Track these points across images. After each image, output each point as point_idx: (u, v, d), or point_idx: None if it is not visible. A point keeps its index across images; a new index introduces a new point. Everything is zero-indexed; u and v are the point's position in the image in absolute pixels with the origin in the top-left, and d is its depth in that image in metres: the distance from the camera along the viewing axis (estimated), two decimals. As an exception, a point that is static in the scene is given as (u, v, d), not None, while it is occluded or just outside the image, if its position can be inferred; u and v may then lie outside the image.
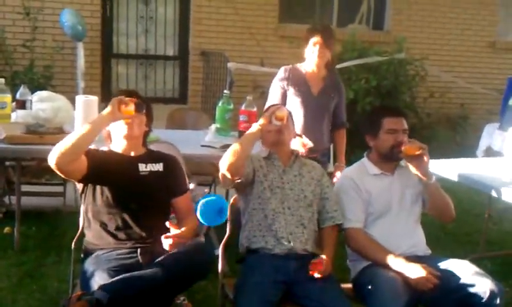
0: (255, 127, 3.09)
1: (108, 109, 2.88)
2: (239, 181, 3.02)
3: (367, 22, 9.63)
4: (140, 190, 2.98)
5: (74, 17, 7.36)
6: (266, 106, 3.89)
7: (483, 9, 9.77)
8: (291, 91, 4.18)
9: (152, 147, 3.28)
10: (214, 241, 4.20)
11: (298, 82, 4.18)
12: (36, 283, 3.99)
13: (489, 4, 9.81)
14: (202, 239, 3.66)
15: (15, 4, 7.52)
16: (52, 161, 2.80)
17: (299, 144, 3.80)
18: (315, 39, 4.10)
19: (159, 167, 3.09)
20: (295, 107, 4.13)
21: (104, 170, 2.95)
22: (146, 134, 3.17)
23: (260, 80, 8.23)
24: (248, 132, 3.13)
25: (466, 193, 5.62)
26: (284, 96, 4.19)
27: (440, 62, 9.27)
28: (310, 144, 3.81)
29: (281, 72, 4.26)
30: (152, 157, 3.12)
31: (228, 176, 2.96)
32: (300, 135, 3.90)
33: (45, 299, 3.79)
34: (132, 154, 3.08)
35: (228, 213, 3.24)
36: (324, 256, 2.96)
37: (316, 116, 4.18)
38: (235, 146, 3.01)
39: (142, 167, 3.05)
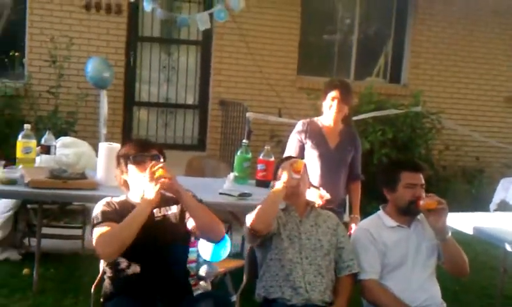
0: (279, 185, 3.16)
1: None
2: (267, 236, 3.09)
3: (384, 75, 9.75)
4: (155, 236, 2.98)
5: (98, 65, 7.55)
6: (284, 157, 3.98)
7: (500, 64, 9.86)
8: (309, 144, 4.24)
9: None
10: (230, 288, 4.24)
11: (315, 135, 4.25)
12: (54, 324, 4.05)
13: (505, 59, 9.91)
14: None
15: (42, 52, 7.74)
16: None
17: (317, 196, 3.88)
18: (334, 94, 4.15)
19: (173, 210, 3.11)
20: (312, 159, 4.20)
21: (120, 218, 2.95)
22: None
23: (278, 130, 8.35)
24: (273, 189, 3.20)
25: (481, 246, 5.61)
26: (302, 149, 4.25)
27: (456, 116, 9.34)
28: (327, 196, 3.88)
29: (299, 125, 4.32)
30: (165, 200, 3.11)
31: (259, 232, 3.04)
32: (318, 188, 3.97)
33: (63, 341, 3.84)
34: None
35: (245, 260, 3.32)
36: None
37: (333, 169, 4.24)
38: (263, 206, 3.11)
39: (157, 212, 3.07)
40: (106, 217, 2.95)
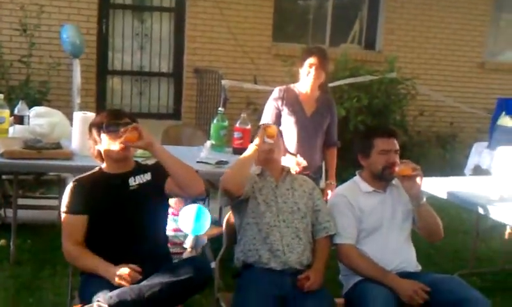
0: (251, 148, 3.18)
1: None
2: (239, 198, 3.10)
3: (359, 42, 9.76)
4: (131, 206, 3.01)
5: (75, 33, 7.43)
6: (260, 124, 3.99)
7: (473, 30, 9.96)
8: (285, 111, 4.25)
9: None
10: (209, 255, 4.27)
11: (292, 102, 4.26)
12: (32, 295, 4.03)
13: (478, 25, 9.99)
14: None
15: (12, 21, 7.59)
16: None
17: (294, 163, 3.90)
18: (311, 61, 4.16)
19: (147, 177, 3.12)
20: (289, 126, 4.22)
21: (93, 196, 3.00)
22: (134, 150, 3.22)
23: (253, 97, 8.33)
24: (245, 153, 3.22)
25: (455, 210, 5.72)
26: (278, 116, 4.26)
27: (430, 82, 9.43)
28: (304, 163, 3.90)
29: (276, 92, 4.32)
30: (140, 169, 3.16)
31: (230, 193, 3.06)
32: (295, 155, 3.99)
33: (42, 311, 3.83)
34: (122, 171, 3.11)
35: (224, 227, 3.34)
36: (312, 271, 3.03)
37: (309, 136, 4.26)
38: (235, 166, 3.17)
39: (131, 181, 3.08)
40: (70, 208, 3.00)
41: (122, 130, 2.95)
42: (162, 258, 3.08)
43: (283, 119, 4.26)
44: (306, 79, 4.21)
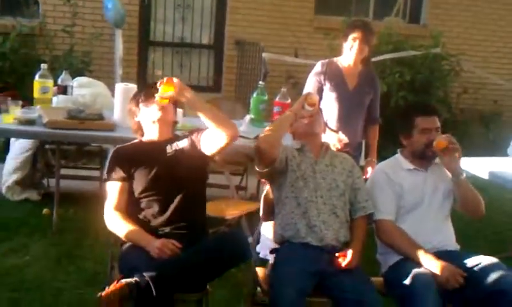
0: (288, 112, 3.20)
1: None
2: (272, 167, 3.10)
3: (404, 15, 9.56)
4: (168, 172, 3.05)
5: (117, 3, 7.48)
6: None
7: (522, 4, 9.66)
8: (327, 86, 4.20)
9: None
10: (246, 230, 4.29)
11: (334, 77, 4.20)
12: (73, 263, 4.14)
13: (528, 1, 9.68)
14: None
15: (56, -10, 7.68)
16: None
17: (335, 139, 3.88)
18: (355, 35, 4.09)
19: (183, 143, 3.15)
20: (330, 101, 4.18)
21: (133, 164, 3.06)
22: (174, 124, 3.29)
23: (294, 71, 8.28)
24: (282, 115, 3.21)
25: (497, 191, 5.60)
26: (320, 91, 4.19)
27: (476, 58, 9.18)
28: (346, 139, 3.87)
29: (318, 66, 4.27)
30: (178, 138, 3.20)
31: (264, 154, 3.05)
32: (336, 131, 3.96)
33: (82, 279, 3.93)
34: (160, 139, 3.16)
35: (262, 202, 3.34)
36: (349, 250, 3.02)
37: (351, 111, 4.21)
38: (271, 126, 3.20)
39: (168, 148, 3.13)
40: (112, 176, 3.08)
41: (158, 83, 2.99)
42: (200, 228, 3.12)
43: (324, 94, 4.21)
44: (349, 53, 4.15)
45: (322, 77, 4.21)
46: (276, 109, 4.59)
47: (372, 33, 4.19)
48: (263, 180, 3.46)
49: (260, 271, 3.20)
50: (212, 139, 3.06)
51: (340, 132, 3.95)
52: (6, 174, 5.22)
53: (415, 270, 2.98)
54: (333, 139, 3.90)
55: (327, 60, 4.31)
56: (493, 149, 7.09)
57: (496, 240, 5.23)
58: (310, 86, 4.26)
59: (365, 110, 4.30)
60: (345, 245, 3.10)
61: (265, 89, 4.75)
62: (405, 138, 3.33)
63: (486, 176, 4.03)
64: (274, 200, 3.28)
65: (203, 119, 3.02)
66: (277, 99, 4.59)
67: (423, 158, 3.29)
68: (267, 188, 3.36)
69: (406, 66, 7.78)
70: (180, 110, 3.98)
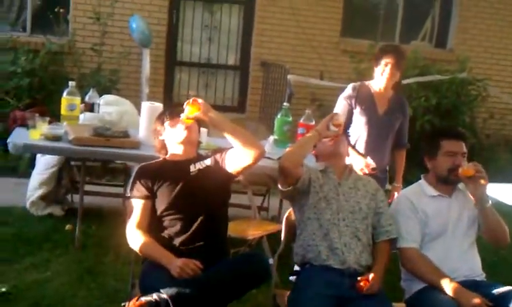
0: (313, 131, 3.20)
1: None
2: (295, 186, 3.09)
3: (430, 40, 9.54)
4: (191, 191, 3.05)
5: (143, 23, 7.59)
6: None
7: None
8: (357, 110, 4.18)
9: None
10: (267, 251, 4.27)
11: (365, 100, 4.19)
12: (94, 280, 4.14)
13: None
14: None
15: (86, 9, 7.80)
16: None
17: (363, 164, 3.87)
18: (387, 60, 4.07)
19: (207, 163, 3.16)
20: (360, 125, 4.17)
21: (156, 182, 3.07)
22: (198, 144, 3.31)
23: (319, 93, 8.29)
24: (307, 135, 3.22)
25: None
26: (350, 113, 4.19)
27: (502, 84, 9.12)
28: (373, 164, 3.86)
29: (349, 89, 4.26)
30: (202, 158, 3.21)
31: (287, 172, 3.05)
32: (364, 155, 3.95)
33: (103, 296, 3.92)
34: (184, 159, 3.17)
35: (283, 223, 3.33)
36: (371, 274, 2.99)
37: (380, 136, 4.19)
38: (295, 145, 3.25)
39: (192, 168, 3.14)
40: (135, 193, 3.10)
41: (185, 103, 3.01)
42: (222, 249, 3.11)
43: (354, 117, 4.20)
44: (381, 78, 4.14)
45: (353, 101, 4.20)
46: (300, 130, 4.58)
47: (403, 58, 4.18)
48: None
49: (280, 293, 3.18)
50: (237, 158, 3.07)
51: (368, 157, 3.94)
52: (31, 189, 5.27)
53: (440, 299, 2.94)
54: (361, 163, 3.89)
55: (358, 83, 4.31)
56: (520, 175, 6.99)
57: (522, 268, 5.12)
58: (339, 108, 4.25)
59: (394, 135, 4.28)
60: (367, 270, 3.07)
61: (289, 111, 4.74)
62: (429, 160, 3.30)
63: (511, 203, 3.96)
64: (296, 221, 3.26)
65: (229, 138, 3.02)
66: (301, 120, 4.58)
67: (447, 183, 3.25)
68: (289, 210, 3.35)
69: (432, 91, 7.74)
70: (204, 130, 4.00)
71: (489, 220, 3.18)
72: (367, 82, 4.28)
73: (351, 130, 4.21)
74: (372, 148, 4.12)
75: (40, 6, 8.27)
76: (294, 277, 3.16)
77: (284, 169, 3.07)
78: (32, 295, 3.83)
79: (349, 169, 3.32)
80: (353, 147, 4.14)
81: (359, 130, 4.16)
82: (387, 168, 4.41)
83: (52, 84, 7.14)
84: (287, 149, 3.21)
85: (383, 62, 4.10)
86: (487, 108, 8.69)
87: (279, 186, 3.18)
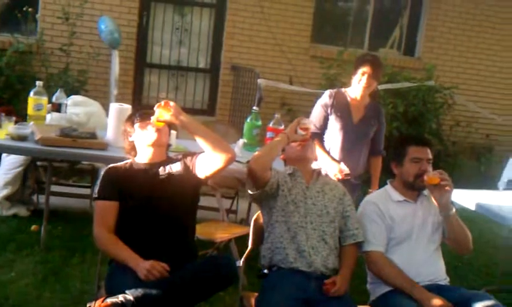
0: (282, 134, 3.23)
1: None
2: (263, 189, 3.10)
3: (399, 47, 9.65)
4: (160, 194, 3.05)
5: (112, 24, 7.54)
6: None
7: (515, 42, 9.77)
8: (333, 116, 4.25)
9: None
10: (235, 254, 4.28)
11: (340, 107, 4.25)
12: (60, 281, 4.10)
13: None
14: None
15: (55, 9, 7.70)
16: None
17: (337, 169, 3.91)
18: (364, 69, 4.14)
19: (177, 167, 3.16)
20: (335, 132, 4.23)
21: (125, 183, 3.07)
22: (168, 146, 3.31)
23: (288, 98, 8.33)
24: (275, 137, 3.24)
25: (486, 224, 5.63)
26: (326, 120, 4.27)
27: (469, 92, 9.26)
28: (347, 170, 3.91)
29: (326, 97, 4.31)
30: (171, 161, 3.21)
31: (255, 176, 3.06)
32: (338, 162, 4.00)
33: (68, 298, 3.89)
34: (153, 161, 3.17)
35: (251, 226, 3.34)
36: (338, 277, 3.02)
37: (354, 143, 4.25)
38: (263, 148, 3.25)
39: (161, 171, 3.14)
40: (103, 194, 3.08)
41: (156, 105, 3.00)
42: (189, 251, 3.11)
43: (329, 124, 4.26)
44: (357, 87, 4.20)
45: (329, 109, 4.26)
46: (269, 134, 4.60)
47: (380, 68, 4.25)
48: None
49: (247, 296, 3.19)
50: (208, 162, 3.07)
51: (341, 163, 3.99)
52: (-4, 189, 5.20)
53: (404, 302, 2.98)
54: (335, 169, 3.94)
55: (335, 90, 4.37)
56: (484, 182, 7.14)
57: (485, 272, 5.22)
58: (316, 114, 4.32)
59: (368, 142, 4.34)
60: (334, 272, 3.10)
61: (259, 115, 4.76)
62: (396, 166, 3.35)
63: (475, 209, 4.04)
64: (263, 224, 3.28)
65: (200, 142, 3.02)
66: (270, 125, 4.60)
67: (413, 189, 3.30)
68: (257, 213, 3.36)
69: (400, 98, 7.83)
70: (173, 133, 3.99)
71: (453, 227, 3.23)
72: (343, 89, 4.35)
73: (326, 136, 4.26)
74: (346, 155, 4.19)
75: (8, 4, 8.14)
76: (261, 280, 3.17)
77: (252, 172, 3.08)
78: (-4, 296, 3.78)
79: (317, 173, 3.36)
80: (328, 153, 4.19)
81: (334, 137, 4.22)
82: (361, 175, 4.46)
83: (19, 83, 7.03)
84: (256, 152, 3.21)
85: (360, 71, 4.17)
86: (453, 116, 8.82)
87: (247, 189, 3.19)
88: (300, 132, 3.20)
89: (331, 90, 4.37)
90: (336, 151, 4.22)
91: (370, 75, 4.14)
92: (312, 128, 4.14)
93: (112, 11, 7.97)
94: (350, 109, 4.25)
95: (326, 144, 4.27)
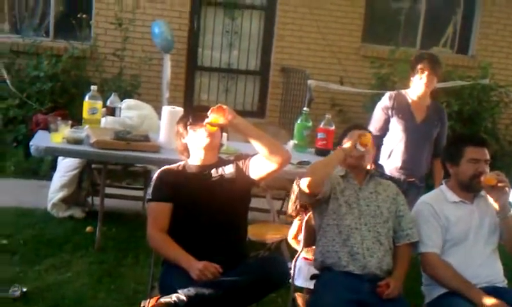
0: (339, 152, 3.16)
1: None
2: (316, 199, 3.07)
3: (452, 46, 9.47)
4: (212, 196, 3.06)
5: (166, 28, 7.64)
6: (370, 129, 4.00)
7: None
8: (394, 119, 4.20)
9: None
10: (286, 254, 4.27)
11: (402, 109, 4.20)
12: (114, 282, 4.16)
13: None
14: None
15: (108, 15, 7.88)
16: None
17: None
18: (423, 66, 4.09)
19: (229, 169, 3.15)
20: (397, 134, 4.18)
21: (177, 185, 3.08)
22: (220, 147, 3.30)
23: (339, 98, 8.27)
24: (332, 153, 3.19)
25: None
26: (387, 123, 4.22)
27: (525, 90, 9.01)
28: None
29: (386, 100, 4.26)
30: (223, 163, 3.20)
31: (307, 191, 3.02)
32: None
33: (122, 298, 3.95)
34: (206, 163, 3.17)
35: (303, 227, 3.31)
36: (392, 279, 2.97)
37: (418, 144, 4.20)
38: (317, 164, 3.16)
39: (214, 173, 3.14)
40: (156, 196, 3.09)
41: (210, 110, 2.98)
42: (241, 252, 3.10)
43: (391, 125, 4.21)
44: (418, 85, 4.15)
45: (389, 110, 4.21)
46: (319, 135, 4.59)
47: (439, 64, 4.18)
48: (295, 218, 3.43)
49: (299, 297, 3.17)
50: (262, 164, 3.06)
51: None
52: (52, 191, 5.32)
53: (461, 304, 2.92)
54: None
55: (395, 92, 4.32)
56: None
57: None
58: (377, 117, 4.27)
59: (432, 143, 4.28)
60: (388, 274, 3.05)
61: (309, 116, 4.74)
62: (452, 166, 3.28)
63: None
64: (315, 226, 3.25)
65: (255, 144, 3.00)
66: (321, 125, 4.59)
67: (469, 190, 3.22)
68: (309, 214, 3.34)
69: (454, 97, 7.68)
70: (224, 134, 4.01)
71: (510, 229, 3.15)
72: (404, 91, 4.28)
73: (386, 139, 4.21)
74: (410, 156, 4.15)
75: (63, 11, 8.38)
76: (313, 281, 3.15)
77: (306, 188, 3.03)
78: (53, 296, 3.87)
79: (370, 175, 3.30)
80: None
81: (397, 139, 4.17)
82: (424, 176, 4.37)
83: (74, 88, 7.21)
84: (308, 168, 3.16)
85: (419, 69, 4.11)
86: (509, 114, 8.60)
87: (300, 199, 3.16)
88: (360, 147, 3.13)
89: (391, 92, 4.33)
90: (399, 153, 4.17)
91: (430, 71, 4.09)
92: (372, 132, 4.13)
93: (164, 16, 8.09)
94: (412, 110, 4.20)
95: (387, 146, 4.22)
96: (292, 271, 3.27)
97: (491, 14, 9.19)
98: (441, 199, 3.27)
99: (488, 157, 3.22)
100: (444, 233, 3.17)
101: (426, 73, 4.08)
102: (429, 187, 4.12)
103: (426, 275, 3.19)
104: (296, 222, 3.42)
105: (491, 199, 3.15)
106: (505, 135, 8.59)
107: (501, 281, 3.17)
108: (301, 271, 3.44)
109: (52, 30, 8.25)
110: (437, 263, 3.11)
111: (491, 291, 2.99)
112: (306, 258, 3.43)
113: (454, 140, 3.61)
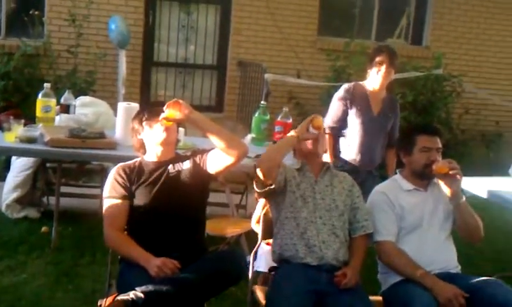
0: (291, 135, 3.17)
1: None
2: (271, 187, 3.08)
3: (406, 37, 9.61)
4: (170, 192, 3.04)
5: (122, 24, 7.56)
6: (326, 122, 4.02)
7: (524, 27, 9.69)
8: (353, 110, 4.25)
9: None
10: (245, 248, 4.28)
11: (360, 101, 4.25)
12: (71, 281, 4.12)
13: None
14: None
15: (62, 11, 7.74)
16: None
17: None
18: (382, 59, 4.15)
19: (186, 165, 3.14)
20: (355, 125, 4.24)
21: (134, 182, 3.07)
22: (176, 143, 3.29)
23: (296, 91, 8.31)
24: (285, 137, 3.20)
25: (497, 211, 5.58)
26: (345, 114, 4.27)
27: (478, 79, 9.22)
28: None
29: (343, 91, 4.31)
30: (180, 158, 3.19)
31: (261, 176, 3.03)
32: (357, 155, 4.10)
33: (80, 297, 3.91)
34: (162, 159, 3.15)
35: (261, 221, 3.33)
36: (348, 269, 3.01)
37: (374, 135, 4.27)
38: (271, 148, 3.21)
39: (171, 168, 3.12)
40: (112, 194, 3.06)
41: (166, 105, 2.96)
42: (199, 247, 3.09)
43: (349, 117, 4.26)
44: (376, 77, 4.20)
45: (347, 102, 4.25)
46: (277, 128, 4.60)
47: (396, 56, 4.27)
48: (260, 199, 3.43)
49: (259, 289, 3.19)
50: (220, 158, 3.05)
51: None
52: (6, 192, 5.23)
53: (416, 291, 2.95)
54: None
55: (352, 83, 4.38)
56: (494, 169, 7.07)
57: (497, 259, 5.19)
58: (334, 109, 4.31)
59: (386, 135, 4.36)
60: (345, 264, 3.09)
61: (267, 109, 4.76)
62: (405, 156, 3.33)
63: (486, 196, 4.02)
64: (272, 219, 3.27)
65: (212, 139, 3.00)
66: (279, 119, 4.60)
67: (422, 178, 3.28)
68: (266, 207, 3.35)
69: (408, 87, 7.81)
70: (181, 130, 3.99)
71: (463, 216, 3.21)
72: (361, 82, 4.33)
73: (346, 131, 4.26)
74: (365, 147, 4.21)
75: (15, 8, 8.20)
76: (272, 273, 3.17)
77: (259, 173, 3.05)
78: (9, 298, 3.81)
79: (326, 167, 3.33)
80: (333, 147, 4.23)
81: (353, 130, 4.22)
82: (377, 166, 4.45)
83: (28, 86, 7.08)
84: (264, 151, 3.19)
85: (376, 61, 4.17)
86: (462, 104, 8.78)
87: (254, 187, 3.17)
88: (312, 130, 3.15)
89: (349, 84, 4.39)
90: (356, 144, 4.23)
91: (388, 64, 4.15)
92: (329, 123, 4.18)
93: (119, 11, 8.00)
94: (370, 102, 4.26)
95: (346, 138, 4.28)
96: (251, 264, 3.28)
97: (444, 4, 9.35)
98: (395, 188, 3.31)
99: (440, 145, 3.27)
100: (399, 221, 3.21)
101: (384, 66, 4.14)
102: (383, 177, 4.20)
103: (382, 263, 3.23)
104: (259, 206, 3.42)
105: (444, 186, 3.22)
106: (458, 124, 8.77)
107: (455, 266, 3.23)
108: (263, 257, 3.46)
109: (3, 27, 8.07)
110: (392, 251, 3.15)
111: (445, 277, 3.04)
112: (268, 243, 3.44)
113: (406, 130, 3.67)
